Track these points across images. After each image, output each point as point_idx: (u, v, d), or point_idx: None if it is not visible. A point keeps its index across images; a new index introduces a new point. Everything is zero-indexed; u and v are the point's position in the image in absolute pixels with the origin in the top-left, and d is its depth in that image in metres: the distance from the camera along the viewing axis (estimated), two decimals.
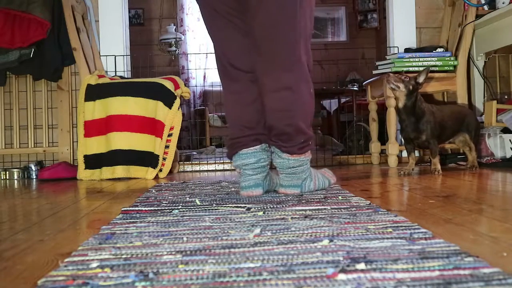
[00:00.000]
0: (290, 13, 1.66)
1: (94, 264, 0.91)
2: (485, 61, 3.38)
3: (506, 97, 3.42)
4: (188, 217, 1.40)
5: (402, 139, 2.59)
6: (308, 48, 1.77)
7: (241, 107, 1.83)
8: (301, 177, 1.79)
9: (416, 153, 3.44)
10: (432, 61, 3.13)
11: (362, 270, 0.82)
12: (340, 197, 1.69)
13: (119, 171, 2.90)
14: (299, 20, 1.68)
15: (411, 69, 3.11)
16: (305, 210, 1.44)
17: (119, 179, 2.89)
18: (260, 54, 1.72)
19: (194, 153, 4.62)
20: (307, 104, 1.75)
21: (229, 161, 3.49)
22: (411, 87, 2.39)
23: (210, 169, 3.41)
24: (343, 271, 0.81)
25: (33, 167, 3.25)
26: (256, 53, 1.73)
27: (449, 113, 2.61)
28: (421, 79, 2.42)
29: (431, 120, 2.44)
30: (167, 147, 2.97)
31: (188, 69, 6.87)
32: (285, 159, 1.76)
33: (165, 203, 1.69)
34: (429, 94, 3.31)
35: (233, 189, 2.07)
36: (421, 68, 3.11)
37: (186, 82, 6.68)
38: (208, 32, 1.86)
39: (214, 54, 1.89)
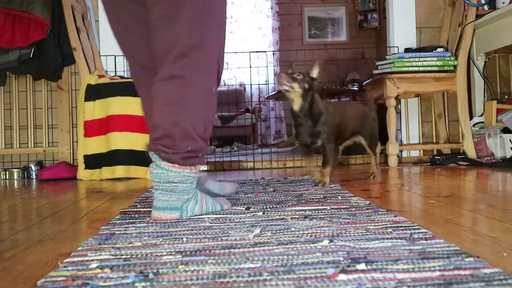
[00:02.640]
0: None
1: (94, 265, 0.91)
2: (485, 61, 3.38)
3: (506, 97, 3.42)
4: (187, 217, 1.39)
5: (300, 147, 2.20)
6: (221, 36, 1.47)
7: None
8: (182, 197, 1.40)
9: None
10: (432, 61, 3.12)
11: (362, 271, 0.82)
12: (339, 197, 1.69)
13: (119, 171, 2.90)
14: None
15: (411, 69, 3.11)
16: (305, 210, 1.44)
17: (119, 179, 2.89)
18: (159, 41, 1.42)
19: None
20: (203, 102, 1.42)
21: (229, 160, 3.51)
22: (306, 85, 1.99)
23: (210, 169, 3.41)
24: (343, 271, 0.81)
25: (33, 167, 3.25)
26: (156, 41, 1.44)
27: (348, 112, 2.24)
28: (315, 73, 2.02)
29: (328, 122, 2.05)
30: None
31: None
32: (164, 169, 1.38)
33: None
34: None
35: None
36: (421, 68, 3.12)
37: None
38: (113, 31, 1.61)
39: None
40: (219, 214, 1.44)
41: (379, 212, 1.36)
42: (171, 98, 1.39)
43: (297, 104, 2.02)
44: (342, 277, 0.79)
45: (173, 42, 1.39)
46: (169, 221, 1.37)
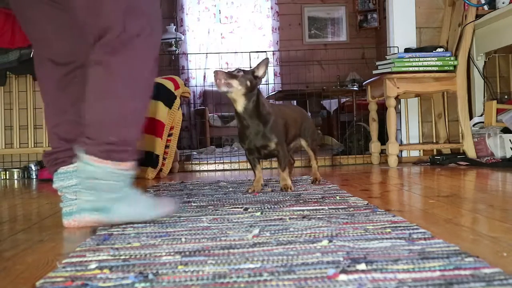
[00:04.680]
0: None
1: (93, 265, 0.91)
2: (485, 61, 3.38)
3: (506, 97, 3.41)
4: (185, 218, 1.39)
5: (245, 151, 2.00)
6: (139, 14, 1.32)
7: (57, 113, 1.45)
8: (106, 197, 1.29)
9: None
10: (432, 61, 3.12)
11: (363, 271, 0.82)
12: (337, 197, 1.69)
13: None
14: None
15: (411, 69, 3.11)
16: (303, 210, 1.44)
17: None
18: (81, 31, 1.33)
19: (194, 153, 4.62)
20: (132, 89, 1.32)
21: (229, 161, 3.52)
22: (248, 83, 1.83)
23: (210, 169, 3.41)
24: (344, 271, 0.81)
25: (33, 167, 3.25)
26: (77, 31, 1.33)
27: (289, 114, 2.10)
28: (260, 72, 1.88)
29: (278, 123, 1.93)
30: (167, 147, 2.97)
31: (188, 69, 6.86)
32: (85, 163, 1.28)
33: None
34: None
35: (231, 189, 2.06)
36: (421, 68, 3.12)
37: (186, 82, 6.68)
38: (23, 24, 1.50)
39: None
40: (217, 214, 1.44)
41: (377, 212, 1.36)
42: (95, 83, 1.29)
43: (240, 105, 1.85)
44: (342, 277, 0.79)
45: (97, 32, 1.28)
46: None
